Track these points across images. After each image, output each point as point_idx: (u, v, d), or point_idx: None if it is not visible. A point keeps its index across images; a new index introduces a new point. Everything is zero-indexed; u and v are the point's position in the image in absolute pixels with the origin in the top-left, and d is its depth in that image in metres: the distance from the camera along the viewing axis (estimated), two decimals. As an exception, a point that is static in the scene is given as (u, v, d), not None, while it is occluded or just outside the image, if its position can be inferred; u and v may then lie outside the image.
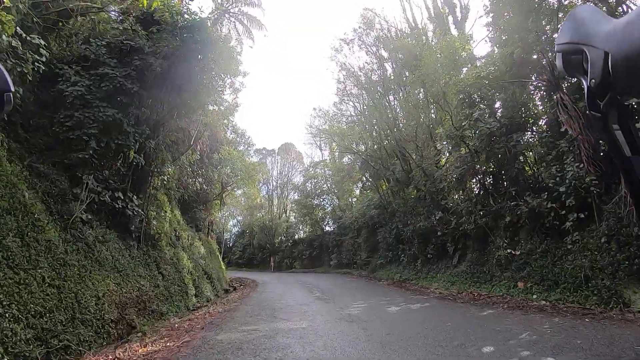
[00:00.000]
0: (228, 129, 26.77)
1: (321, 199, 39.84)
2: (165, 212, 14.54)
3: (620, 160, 0.67)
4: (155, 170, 12.66)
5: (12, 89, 0.85)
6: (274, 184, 49.86)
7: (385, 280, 19.93)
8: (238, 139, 26.25)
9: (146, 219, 12.10)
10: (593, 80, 0.65)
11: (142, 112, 11.49)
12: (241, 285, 23.98)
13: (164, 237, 13.43)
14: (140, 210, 11.39)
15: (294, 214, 48.09)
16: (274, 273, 38.10)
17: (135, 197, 11.37)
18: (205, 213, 22.16)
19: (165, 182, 12.67)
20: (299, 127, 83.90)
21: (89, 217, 9.36)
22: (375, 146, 25.24)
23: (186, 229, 17.43)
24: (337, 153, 39.63)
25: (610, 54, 0.61)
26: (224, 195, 26.38)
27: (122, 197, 10.73)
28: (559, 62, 0.74)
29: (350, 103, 26.42)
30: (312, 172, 40.72)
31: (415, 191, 21.18)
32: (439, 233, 18.12)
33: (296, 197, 44.26)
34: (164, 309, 10.52)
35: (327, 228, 41.41)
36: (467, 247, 16.81)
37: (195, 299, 13.37)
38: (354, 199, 38.38)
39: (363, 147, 27.16)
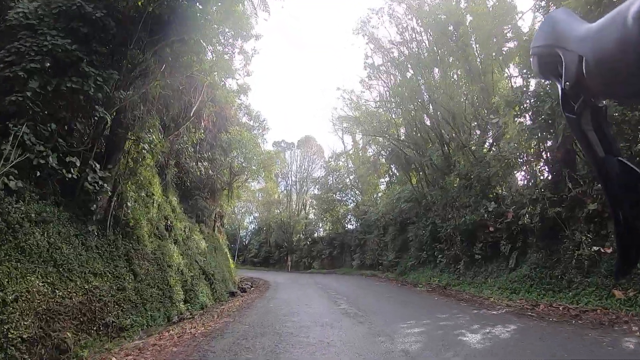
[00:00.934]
0: (241, 110, 23.90)
1: (343, 195, 36.56)
2: (153, 194, 11.62)
3: (593, 160, 0.68)
4: (133, 136, 9.71)
5: None
6: (293, 179, 46.91)
7: (422, 286, 16.56)
8: (252, 122, 23.28)
9: (117, 198, 9.18)
10: (567, 83, 0.66)
11: (110, 50, 8.60)
12: (252, 286, 21.02)
13: (146, 225, 10.51)
14: (106, 185, 8.47)
15: (313, 211, 44.99)
16: (290, 273, 35.04)
17: (100, 167, 8.47)
18: (212, 204, 19.25)
19: (147, 151, 9.71)
20: (320, 119, 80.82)
21: (20, 184, 6.43)
22: (409, 130, 21.85)
23: (184, 219, 14.53)
24: (361, 144, 36.43)
25: (584, 57, 0.62)
26: (235, 186, 23.45)
27: (78, 165, 7.83)
28: (534, 65, 0.76)
29: (381, 80, 23.02)
30: (334, 164, 37.45)
31: (457, 179, 17.80)
32: (490, 229, 14.71)
33: (316, 192, 41.17)
34: (127, 322, 7.54)
35: (349, 226, 38.20)
36: (528, 245, 13.40)
37: (183, 306, 10.39)
38: (379, 195, 35.03)
39: (394, 132, 23.78)
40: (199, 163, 17.35)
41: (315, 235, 43.51)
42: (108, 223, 8.84)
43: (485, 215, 15.08)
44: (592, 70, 0.60)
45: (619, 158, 0.65)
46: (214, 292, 13.34)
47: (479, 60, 17.28)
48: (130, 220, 9.55)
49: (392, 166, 33.59)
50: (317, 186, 39.56)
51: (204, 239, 15.82)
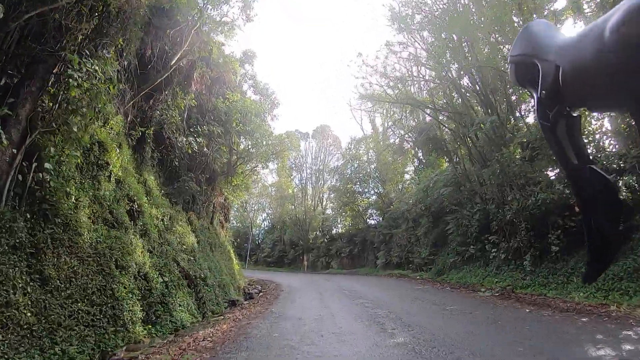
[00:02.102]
0: (245, 81, 20.27)
1: (364, 186, 32.58)
2: (107, 164, 8.10)
3: (566, 167, 0.70)
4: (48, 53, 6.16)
5: None
6: (308, 171, 43.25)
7: (484, 290, 12.58)
8: (258, 97, 19.55)
9: (29, 157, 5.69)
10: (543, 92, 0.68)
11: None
12: (260, 291, 17.41)
13: (88, 206, 7.00)
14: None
15: (331, 205, 41.24)
16: (306, 274, 31.32)
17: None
18: (209, 190, 15.69)
19: (79, 86, 6.16)
20: (336, 109, 76.44)
21: None
22: (448, 97, 17.88)
23: (164, 205, 10.98)
24: (381, 129, 32.57)
25: (561, 67, 0.63)
26: (239, 170, 19.89)
27: None
28: (511, 73, 0.77)
29: (413, 40, 18.96)
30: (354, 151, 33.48)
31: (518, 150, 13.91)
32: (577, 209, 10.76)
33: (334, 183, 37.26)
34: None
35: (371, 221, 34.32)
36: (636, 227, 9.58)
37: (142, 330, 6.78)
38: (405, 184, 31.10)
39: (429, 100, 19.78)
40: (190, 137, 13.78)
41: (334, 232, 39.68)
42: (5, 193, 5.33)
43: (568, 192, 11.17)
44: (568, 79, 0.61)
45: (590, 165, 0.66)
46: (201, 304, 9.70)
47: None
48: (51, 192, 6.00)
49: (419, 151, 29.73)
50: (335, 176, 35.60)
51: (194, 232, 12.23)
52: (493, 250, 14.66)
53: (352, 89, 52.96)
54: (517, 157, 13.82)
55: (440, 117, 19.09)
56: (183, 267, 9.64)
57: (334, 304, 10.62)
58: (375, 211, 33.56)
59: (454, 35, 16.37)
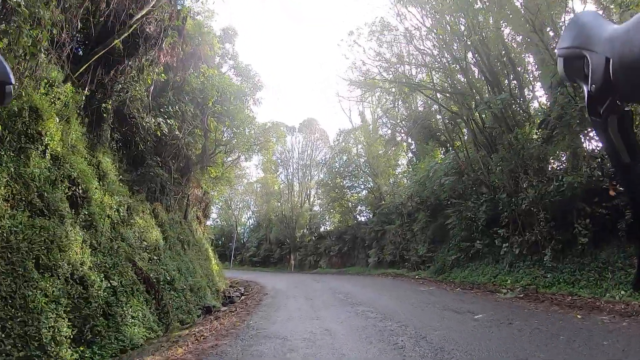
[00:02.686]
0: (225, 60, 18.28)
1: (354, 180, 30.76)
2: (40, 133, 6.25)
3: (618, 165, 0.67)
4: None
5: (13, 81, 0.81)
6: (295, 166, 41.32)
7: (506, 291, 10.79)
8: (240, 79, 17.57)
9: None
10: (593, 86, 0.65)
11: None
12: (242, 294, 15.56)
13: (4, 186, 5.13)
14: None
15: (319, 201, 39.38)
16: (294, 275, 29.44)
17: None
18: (181, 180, 13.77)
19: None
20: (323, 101, 74.37)
21: None
22: (450, 77, 16.17)
23: (122, 193, 9.08)
24: (370, 121, 30.84)
25: (611, 60, 0.60)
26: (218, 162, 18.02)
27: None
28: (560, 67, 0.74)
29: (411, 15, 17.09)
30: (343, 143, 31.60)
31: (534, 129, 12.33)
32: (612, 192, 9.25)
33: (322, 177, 35.35)
34: None
35: (361, 218, 32.64)
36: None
37: (71, 355, 4.92)
38: (397, 178, 29.48)
39: (429, 79, 18.06)
40: (159, 118, 11.86)
41: (322, 229, 37.85)
42: None
43: (600, 173, 9.62)
44: (619, 72, 0.59)
45: None
46: (164, 314, 7.80)
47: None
48: None
49: (412, 143, 28.16)
50: (323, 170, 33.68)
51: (160, 226, 10.30)
52: (504, 245, 13.05)
53: (342, 75, 51.36)
54: (533, 137, 12.22)
55: (441, 100, 17.40)
56: (141, 267, 7.74)
57: (329, 313, 8.70)
58: (365, 207, 31.89)
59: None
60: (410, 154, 27.89)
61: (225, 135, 17.65)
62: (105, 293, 6.25)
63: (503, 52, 14.11)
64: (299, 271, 34.19)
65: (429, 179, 19.34)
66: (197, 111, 13.21)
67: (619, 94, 0.61)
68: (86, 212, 7.05)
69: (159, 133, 11.77)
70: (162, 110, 12.47)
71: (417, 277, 18.24)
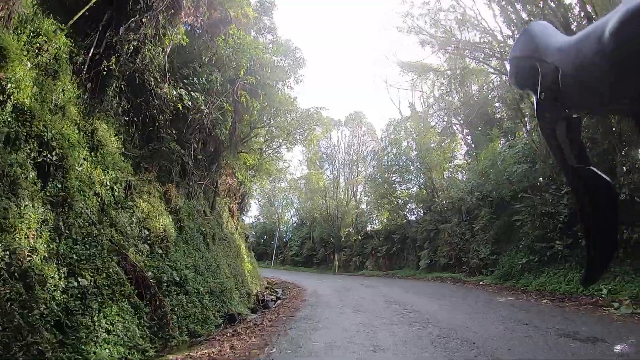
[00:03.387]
0: (262, 34, 16.49)
1: (405, 175, 28.01)
2: (9, 78, 4.55)
3: (566, 170, 0.70)
4: None
5: None
6: (340, 162, 39.12)
7: (617, 306, 8.05)
8: (277, 57, 15.54)
9: None
10: (543, 94, 0.68)
11: None
12: (279, 298, 13.66)
13: None
14: None
15: (366, 198, 36.93)
16: (337, 277, 27.25)
17: None
18: (214, 167, 12.02)
19: None
20: (370, 90, 71.77)
21: None
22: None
23: (123, 168, 7.34)
24: (422, 108, 28.12)
25: (560, 69, 0.63)
26: (254, 147, 16.26)
27: None
28: (510, 74, 0.78)
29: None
30: (394, 135, 28.89)
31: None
32: None
33: (371, 171, 32.62)
34: None
35: (411, 217, 29.94)
36: None
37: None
38: (453, 172, 26.61)
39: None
40: (180, 89, 10.11)
41: (369, 228, 35.41)
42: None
43: None
44: (567, 81, 0.61)
45: (591, 167, 0.67)
46: (164, 326, 5.86)
47: None
48: None
49: (468, 133, 25.28)
50: (371, 163, 30.95)
51: (172, 213, 8.48)
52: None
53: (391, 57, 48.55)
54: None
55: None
56: (134, 263, 5.88)
57: (389, 337, 6.14)
58: (417, 204, 29.15)
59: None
60: (466, 147, 25.03)
61: (262, 117, 15.78)
62: (66, 296, 4.41)
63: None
64: (343, 272, 31.99)
65: (494, 168, 16.57)
66: (227, 83, 11.38)
67: (567, 102, 0.63)
68: (59, 186, 5.29)
69: (180, 106, 10.01)
70: (185, 82, 10.75)
71: (480, 282, 15.57)
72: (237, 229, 15.25)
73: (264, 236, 45.47)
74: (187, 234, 8.92)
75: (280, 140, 19.19)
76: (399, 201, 29.47)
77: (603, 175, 0.64)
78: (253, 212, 46.38)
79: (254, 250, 46.08)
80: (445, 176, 26.42)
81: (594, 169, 0.64)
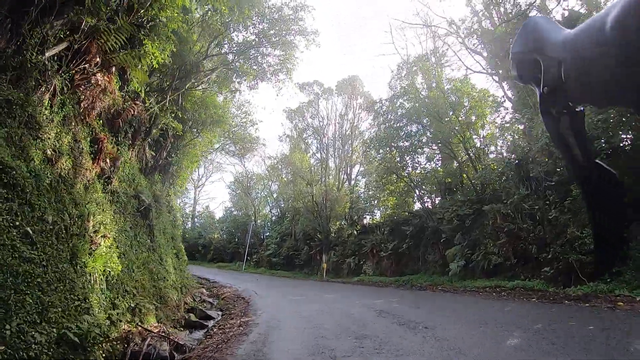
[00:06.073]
0: None
1: (421, 139, 19.59)
2: None
3: (571, 163, 0.71)
4: None
5: None
6: (331, 136, 30.98)
7: None
8: None
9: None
10: (546, 88, 0.68)
11: None
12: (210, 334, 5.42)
13: None
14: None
15: (364, 180, 28.64)
16: (325, 287, 18.92)
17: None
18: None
19: None
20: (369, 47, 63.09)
21: None
22: None
23: None
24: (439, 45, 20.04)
25: (562, 63, 0.63)
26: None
27: None
28: (513, 70, 0.80)
29: None
30: (406, 85, 20.33)
31: None
32: None
33: (374, 133, 23.90)
34: None
35: (430, 200, 21.82)
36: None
37: None
38: (492, 133, 18.46)
39: None
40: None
41: (367, 220, 27.05)
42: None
43: None
44: (570, 74, 0.62)
45: (597, 160, 0.66)
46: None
47: None
48: None
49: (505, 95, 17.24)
50: (376, 122, 22.10)
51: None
52: None
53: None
54: None
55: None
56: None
57: None
58: (433, 187, 20.94)
59: None
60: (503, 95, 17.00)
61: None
62: None
63: None
64: (333, 278, 23.65)
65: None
66: None
67: (570, 96, 0.64)
68: None
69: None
70: None
71: (613, 297, 7.37)
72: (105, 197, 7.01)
73: (237, 233, 37.09)
74: None
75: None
76: (414, 182, 21.16)
77: (609, 168, 0.65)
78: (226, 205, 38.29)
79: (223, 250, 37.81)
80: (481, 135, 18.46)
81: (600, 162, 0.65)
